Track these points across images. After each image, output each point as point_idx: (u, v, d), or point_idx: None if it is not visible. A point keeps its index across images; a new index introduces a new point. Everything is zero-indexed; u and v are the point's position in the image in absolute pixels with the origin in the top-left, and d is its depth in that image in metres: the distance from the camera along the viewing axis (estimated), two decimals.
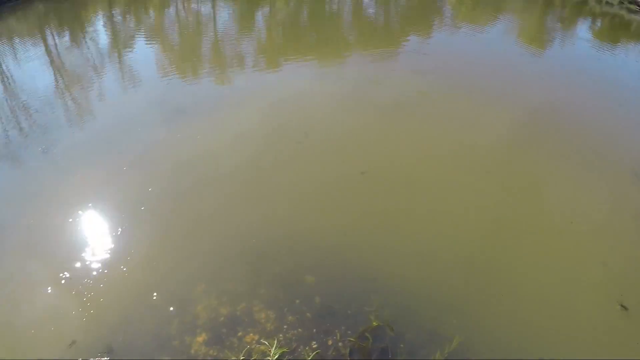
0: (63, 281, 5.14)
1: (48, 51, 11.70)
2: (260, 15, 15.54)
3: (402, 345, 4.74)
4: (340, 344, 4.65)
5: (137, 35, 13.04)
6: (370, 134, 8.26)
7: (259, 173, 7.03)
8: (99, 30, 13.49)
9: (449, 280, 5.64)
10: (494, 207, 7.05)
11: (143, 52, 11.47)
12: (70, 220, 6.02)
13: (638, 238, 6.67)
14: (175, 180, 6.71)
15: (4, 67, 10.64)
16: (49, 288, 5.08)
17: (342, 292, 5.26)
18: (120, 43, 12.31)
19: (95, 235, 5.84)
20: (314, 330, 4.79)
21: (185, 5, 16.06)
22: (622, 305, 5.57)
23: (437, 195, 7.05)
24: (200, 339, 4.59)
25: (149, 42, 12.26)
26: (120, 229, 5.88)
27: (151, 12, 15.13)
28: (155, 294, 5.05)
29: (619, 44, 20.59)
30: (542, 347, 4.96)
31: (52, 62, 10.97)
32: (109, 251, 5.60)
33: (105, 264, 5.40)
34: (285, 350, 4.51)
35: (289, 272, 5.43)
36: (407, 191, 6.97)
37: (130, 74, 10.19)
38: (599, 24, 23.94)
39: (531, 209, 7.08)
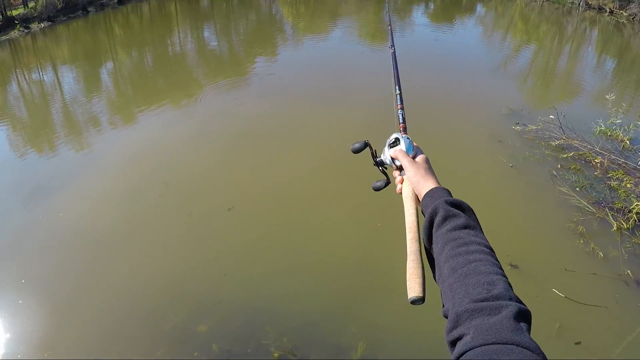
0: None
1: None
2: (105, 73, 15.74)
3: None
4: None
5: None
6: (229, 167, 8.47)
7: (127, 234, 7.03)
8: None
9: (335, 290, 5.72)
10: (366, 206, 7.27)
11: None
12: None
13: (506, 203, 7.33)
14: (46, 264, 6.61)
15: None
16: None
17: (237, 332, 5.34)
18: None
19: None
20: None
21: (27, 77, 15.84)
22: (511, 265, 5.95)
23: (308, 208, 7.26)
24: None
25: None
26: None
27: None
28: None
29: (455, 20, 23.56)
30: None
31: None
32: None
33: None
34: None
35: (180, 326, 5.46)
36: (277, 214, 7.13)
37: None
38: (432, 7, 27.18)
39: (397, 197, 7.47)
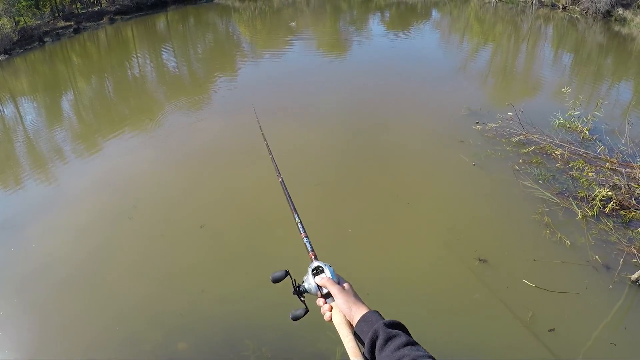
0: None
1: None
2: (66, 102, 15.76)
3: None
4: None
5: None
6: (196, 186, 8.59)
7: (101, 260, 7.11)
8: None
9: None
10: (331, 212, 7.53)
11: None
12: None
13: (471, 201, 7.53)
14: (22, 295, 6.61)
15: None
16: None
17: (217, 347, 5.41)
18: None
19: None
20: None
21: None
22: (480, 259, 6.22)
23: (276, 220, 7.38)
24: None
25: None
26: None
27: None
28: None
29: (411, 26, 24.17)
30: (422, 319, 5.41)
31: None
32: None
33: None
34: None
35: (160, 345, 5.51)
36: (247, 228, 7.26)
37: None
38: (387, 15, 27.82)
39: (367, 204, 7.67)
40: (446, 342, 5.18)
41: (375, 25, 24.49)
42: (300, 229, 2.31)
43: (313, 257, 2.07)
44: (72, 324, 6.08)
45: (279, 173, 3.10)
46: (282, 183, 2.83)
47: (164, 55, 21.61)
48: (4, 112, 15.72)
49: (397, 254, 6.53)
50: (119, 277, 6.72)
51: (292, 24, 21.87)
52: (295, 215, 2.43)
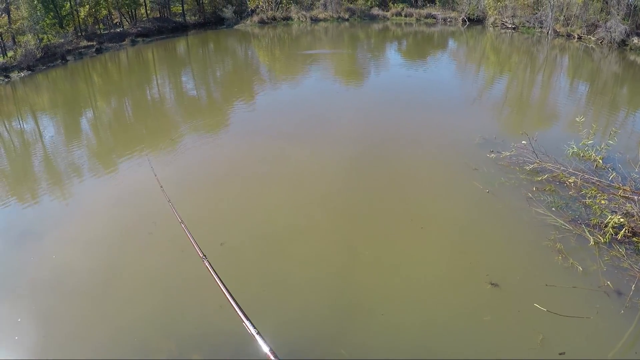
0: None
1: None
2: (85, 121, 16.06)
3: None
4: None
5: None
6: (215, 206, 8.80)
7: (120, 272, 7.26)
8: None
9: (325, 316, 5.97)
10: (348, 231, 7.74)
11: None
12: None
13: (485, 226, 7.71)
14: (40, 304, 6.73)
15: None
16: None
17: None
18: None
19: None
20: None
21: (7, 126, 16.04)
22: (492, 283, 6.28)
23: (292, 239, 7.62)
24: None
25: None
26: None
27: None
28: None
29: (428, 56, 24.54)
30: (432, 344, 5.47)
31: None
32: None
33: None
34: None
35: (175, 357, 5.65)
36: (265, 247, 7.45)
37: None
38: (404, 44, 28.30)
39: (382, 228, 7.88)
40: None
41: (392, 54, 24.86)
42: None
43: None
44: (87, 334, 6.22)
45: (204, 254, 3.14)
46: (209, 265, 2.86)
47: (183, 78, 22.10)
48: (24, 127, 16.16)
49: (410, 276, 6.68)
50: (137, 290, 6.88)
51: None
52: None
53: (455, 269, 6.72)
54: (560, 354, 5.28)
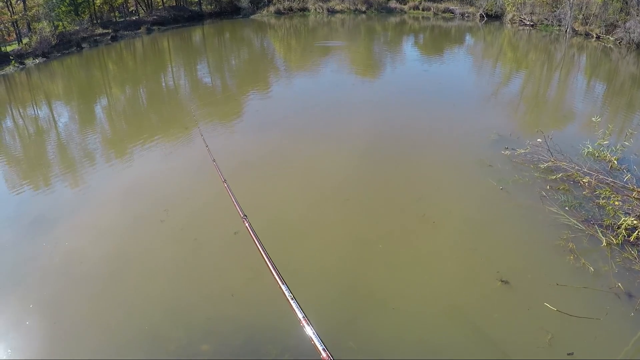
0: None
1: None
2: (99, 108, 16.21)
3: None
4: None
5: None
6: (228, 195, 8.90)
7: (132, 259, 7.32)
8: None
9: (334, 308, 6.01)
10: (359, 228, 7.73)
11: None
12: None
13: (497, 223, 7.71)
14: (52, 291, 6.80)
15: None
16: None
17: (240, 351, 5.50)
18: None
19: None
20: None
21: (22, 112, 16.15)
22: (502, 281, 6.26)
23: (306, 231, 7.70)
24: None
25: None
26: (9, 350, 5.80)
27: None
28: None
29: (445, 51, 24.38)
30: (442, 341, 5.49)
31: None
32: None
33: None
34: None
35: (184, 346, 5.63)
36: (278, 237, 7.51)
37: None
38: (421, 38, 28.11)
39: (395, 221, 7.90)
40: (465, 357, 5.32)
41: (409, 47, 24.73)
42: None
43: None
44: (98, 320, 6.27)
45: (244, 214, 3.21)
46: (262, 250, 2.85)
47: (198, 67, 22.11)
48: (38, 113, 16.26)
49: (421, 271, 6.71)
50: (148, 278, 6.94)
51: None
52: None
53: (466, 265, 6.73)
54: (568, 354, 5.27)
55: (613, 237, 6.98)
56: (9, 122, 15.69)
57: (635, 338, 5.50)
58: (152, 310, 6.34)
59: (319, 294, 6.32)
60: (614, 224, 7.24)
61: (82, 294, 6.74)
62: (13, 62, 22.19)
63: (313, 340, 2.06)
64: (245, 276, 6.78)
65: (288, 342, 5.58)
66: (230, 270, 6.95)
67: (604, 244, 6.87)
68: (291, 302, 2.26)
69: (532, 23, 27.14)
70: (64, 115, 15.86)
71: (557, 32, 25.03)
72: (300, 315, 2.14)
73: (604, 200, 7.83)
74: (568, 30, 24.39)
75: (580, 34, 24.20)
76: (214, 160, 5.74)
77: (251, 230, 3.00)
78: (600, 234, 7.03)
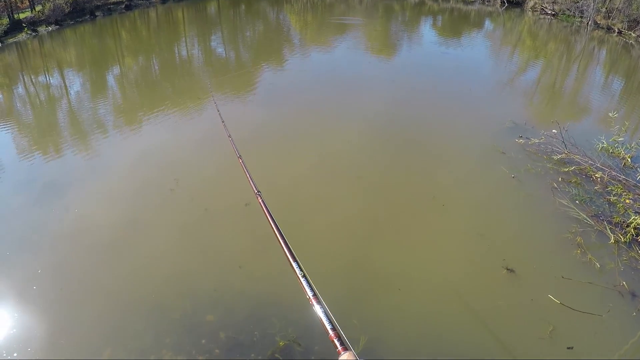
0: None
1: None
2: (111, 77, 16.10)
3: (312, 357, 5.10)
4: None
5: None
6: (240, 167, 8.95)
7: (140, 227, 7.36)
8: None
9: (341, 285, 6.03)
10: (368, 206, 7.76)
11: None
12: None
13: (506, 211, 7.64)
14: (60, 257, 6.84)
15: None
16: None
17: (244, 322, 5.56)
18: None
19: None
20: None
21: (34, 80, 16.10)
22: (507, 269, 6.22)
23: (316, 207, 7.72)
24: None
25: (2, 125, 12.12)
26: (15, 314, 5.84)
27: None
28: None
29: (463, 34, 23.96)
30: (444, 324, 5.50)
31: None
32: (5, 338, 5.55)
33: (4, 353, 5.36)
34: None
35: (189, 316, 5.68)
36: (288, 212, 7.52)
37: None
38: (440, 20, 27.64)
39: (405, 201, 7.91)
40: (466, 341, 5.33)
41: (427, 29, 24.40)
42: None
43: (343, 351, 1.85)
44: (104, 286, 6.31)
45: (258, 190, 3.53)
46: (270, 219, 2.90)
47: (212, 39, 21.97)
48: (50, 81, 16.22)
49: (428, 252, 6.72)
50: (156, 246, 6.95)
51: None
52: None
53: (473, 251, 6.72)
54: (568, 348, 5.24)
55: (621, 235, 6.90)
56: (20, 89, 15.63)
57: (634, 338, 5.47)
58: (158, 278, 6.37)
59: (326, 270, 6.32)
60: (623, 222, 7.15)
61: (89, 260, 6.77)
62: (26, 29, 22.02)
63: (322, 320, 1.99)
64: (253, 249, 6.78)
65: (292, 316, 5.60)
66: (239, 242, 6.95)
67: (612, 241, 6.80)
68: (301, 280, 2.19)
69: (553, 12, 26.56)
70: (75, 83, 15.79)
71: (578, 24, 24.51)
72: (310, 293, 2.06)
73: (615, 197, 7.72)
74: (590, 22, 23.87)
75: (602, 28, 23.68)
76: (229, 136, 5.68)
77: (264, 206, 2.91)
78: (608, 230, 6.95)
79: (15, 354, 5.39)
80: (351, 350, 1.82)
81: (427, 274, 6.27)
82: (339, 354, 1.83)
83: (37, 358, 5.39)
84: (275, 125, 11.00)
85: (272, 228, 2.77)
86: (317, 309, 2.00)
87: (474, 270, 6.35)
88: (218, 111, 7.28)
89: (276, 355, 5.17)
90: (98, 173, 8.97)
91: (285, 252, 2.49)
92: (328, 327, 1.97)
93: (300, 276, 2.23)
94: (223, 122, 6.68)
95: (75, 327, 5.75)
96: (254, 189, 3.70)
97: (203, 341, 5.38)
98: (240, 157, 4.88)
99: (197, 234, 7.17)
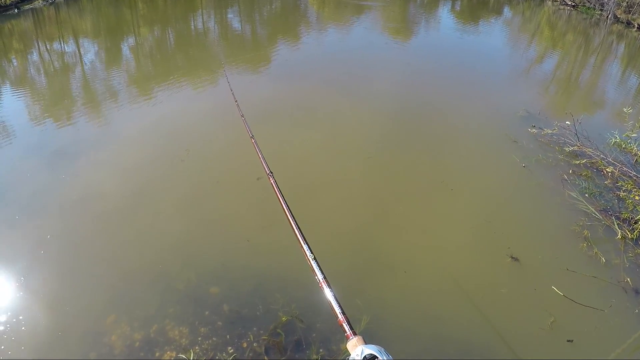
0: None
1: None
2: (126, 47, 16.06)
3: (314, 335, 5.07)
4: (255, 344, 5.00)
5: (1, 86, 12.95)
6: (250, 142, 8.93)
7: (148, 199, 7.37)
8: None
9: (344, 264, 6.07)
10: (376, 186, 7.76)
11: (10, 102, 11.49)
12: None
13: (514, 200, 7.56)
14: (68, 222, 6.89)
15: None
16: None
17: (248, 296, 5.58)
18: None
19: None
20: (227, 336, 5.11)
21: (49, 47, 16.02)
22: (512, 257, 6.15)
23: (324, 185, 7.70)
24: None
25: (16, 91, 12.22)
26: (22, 278, 5.89)
27: (13, 60, 15.01)
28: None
29: (481, 20, 23.56)
30: (446, 307, 5.51)
31: None
32: (11, 301, 5.61)
33: (9, 314, 5.43)
34: None
35: (193, 287, 5.71)
36: (298, 188, 7.51)
37: (0, 127, 10.01)
38: (458, 4, 27.19)
39: (413, 184, 7.88)
40: (466, 324, 5.32)
41: (445, 13, 24.03)
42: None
43: (352, 335, 1.80)
44: (111, 253, 6.33)
45: (270, 171, 3.58)
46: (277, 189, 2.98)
47: (229, 13, 21.92)
48: (64, 49, 16.14)
49: (433, 234, 6.66)
50: (164, 216, 6.94)
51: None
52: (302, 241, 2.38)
53: (478, 237, 6.65)
54: (568, 340, 5.18)
55: (629, 231, 6.79)
56: (35, 56, 15.55)
57: (636, 335, 5.39)
58: (165, 248, 6.38)
59: (332, 249, 6.32)
60: (631, 218, 7.03)
61: (97, 227, 6.77)
62: None
63: (331, 304, 1.99)
64: (262, 223, 6.76)
65: (296, 293, 5.60)
66: (247, 216, 6.94)
67: (619, 236, 6.69)
68: (312, 262, 2.17)
69: (573, 4, 25.99)
70: (90, 52, 15.76)
71: (597, 17, 23.99)
72: (320, 276, 2.02)
73: (625, 193, 7.58)
74: (609, 16, 23.35)
75: (622, 22, 23.15)
76: (242, 116, 5.62)
77: (276, 187, 2.86)
78: (616, 226, 6.83)
79: (20, 317, 5.42)
80: (359, 336, 1.78)
81: (431, 257, 6.23)
82: (347, 338, 1.80)
83: (42, 321, 5.41)
84: (288, 100, 10.89)
85: (284, 209, 2.71)
86: (327, 293, 1.97)
87: (479, 256, 6.31)
88: (231, 90, 7.21)
89: (278, 330, 5.18)
90: (108, 141, 8.95)
91: (296, 233, 2.50)
92: (338, 311, 1.96)
93: (310, 259, 2.18)
94: (236, 101, 6.63)
95: (80, 292, 5.79)
96: (266, 169, 3.65)
97: (206, 313, 5.41)
98: (252, 137, 4.81)
99: (206, 205, 7.15)
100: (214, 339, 5.14)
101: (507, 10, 25.73)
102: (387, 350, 1.64)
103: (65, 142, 8.95)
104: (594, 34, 21.88)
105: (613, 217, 7.01)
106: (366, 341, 1.79)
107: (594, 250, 6.38)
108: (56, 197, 7.41)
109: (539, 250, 6.41)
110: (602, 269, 6.14)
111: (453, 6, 25.97)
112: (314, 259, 2.18)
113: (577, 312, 5.50)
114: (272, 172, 3.55)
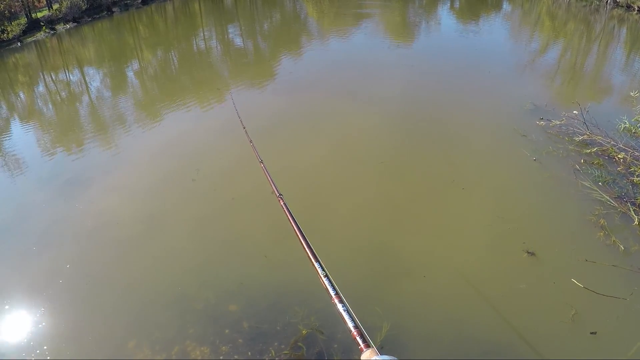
0: None
1: None
2: (131, 72, 16.23)
3: (335, 346, 5.03)
4: (276, 359, 4.98)
5: (10, 119, 13.15)
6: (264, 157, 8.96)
7: (163, 221, 7.38)
8: None
9: (362, 273, 6.00)
10: (389, 191, 7.71)
11: (21, 135, 11.65)
12: None
13: (528, 194, 7.46)
14: (85, 250, 6.93)
15: None
16: None
17: (267, 312, 5.56)
18: None
19: (13, 323, 5.86)
20: (249, 353, 5.09)
21: (54, 78, 16.29)
22: (528, 252, 6.05)
23: (339, 194, 7.67)
24: None
25: (24, 123, 12.42)
26: (42, 309, 5.90)
27: (20, 93, 15.31)
28: None
29: (481, 16, 23.44)
30: (466, 308, 5.43)
31: None
32: (34, 332, 5.63)
33: (31, 344, 5.44)
34: None
35: (212, 306, 5.70)
36: (310, 200, 7.52)
37: (13, 160, 10.17)
38: (457, 2, 27.07)
39: (425, 186, 7.84)
40: (488, 325, 5.24)
41: (445, 12, 23.96)
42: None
43: (365, 348, 1.77)
44: (128, 279, 6.34)
45: (280, 193, 3.49)
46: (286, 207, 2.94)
47: (230, 31, 22.01)
48: (70, 78, 16.35)
49: (448, 236, 6.61)
50: (180, 237, 6.96)
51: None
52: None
53: (493, 234, 6.58)
54: (591, 333, 5.07)
55: None
56: (41, 87, 15.81)
57: None
58: (182, 269, 6.40)
59: (349, 256, 6.30)
60: None
61: (114, 253, 6.81)
62: (44, 28, 22.26)
63: (344, 318, 1.95)
64: (276, 238, 6.74)
65: (315, 305, 5.55)
66: (262, 231, 6.93)
67: (636, 222, 6.56)
68: (324, 279, 2.19)
69: None
70: (95, 79, 15.96)
71: (597, 3, 23.75)
72: (332, 292, 2.08)
73: (639, 178, 7.41)
74: (609, 1, 23.11)
75: (622, 6, 22.88)
76: (250, 142, 5.66)
77: (287, 209, 2.86)
78: (632, 212, 6.71)
79: (45, 347, 5.42)
80: (373, 347, 1.75)
81: (447, 259, 6.16)
82: (361, 351, 1.77)
83: (66, 350, 5.42)
84: (295, 115, 10.95)
85: (294, 229, 2.69)
86: (339, 307, 1.96)
87: (495, 254, 6.23)
88: (239, 118, 7.26)
89: (299, 343, 5.15)
90: (120, 167, 9.04)
91: (307, 252, 2.52)
92: (350, 325, 1.93)
93: (322, 276, 2.19)
94: (244, 127, 6.66)
95: (101, 319, 5.80)
96: (276, 192, 3.63)
97: (226, 331, 5.39)
98: (262, 161, 4.80)
99: (219, 223, 7.18)
100: (236, 356, 5.11)
101: (506, 4, 25.60)
102: (407, 357, 1.62)
103: (77, 171, 9.04)
104: (595, 20, 21.67)
105: (629, 204, 6.89)
106: (385, 351, 1.77)
107: (611, 239, 6.26)
108: (72, 226, 7.45)
109: (556, 243, 6.32)
110: (621, 257, 6.01)
111: (452, 4, 25.86)
112: (326, 275, 2.17)
113: (598, 303, 5.38)
114: (282, 195, 3.52)
